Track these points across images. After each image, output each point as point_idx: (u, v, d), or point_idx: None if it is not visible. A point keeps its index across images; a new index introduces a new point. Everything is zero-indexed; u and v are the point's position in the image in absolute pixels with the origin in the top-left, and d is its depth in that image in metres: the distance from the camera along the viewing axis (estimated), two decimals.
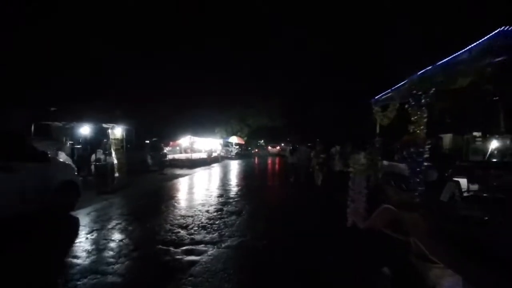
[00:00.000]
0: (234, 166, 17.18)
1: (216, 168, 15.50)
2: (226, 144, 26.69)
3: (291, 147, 11.43)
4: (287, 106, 26.33)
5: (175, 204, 6.67)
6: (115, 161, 7.84)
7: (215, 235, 4.38)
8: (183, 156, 16.06)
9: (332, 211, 5.97)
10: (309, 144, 12.89)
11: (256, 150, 36.97)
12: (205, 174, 12.86)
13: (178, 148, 17.64)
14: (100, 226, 4.69)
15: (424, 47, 13.87)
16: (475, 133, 9.17)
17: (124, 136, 8.21)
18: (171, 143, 16.79)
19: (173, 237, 4.24)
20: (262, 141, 49.06)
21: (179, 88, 21.37)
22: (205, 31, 24.89)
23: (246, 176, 12.69)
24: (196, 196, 7.75)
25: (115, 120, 8.40)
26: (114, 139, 7.87)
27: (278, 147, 47.99)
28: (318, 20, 24.08)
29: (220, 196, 7.68)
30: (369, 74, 19.01)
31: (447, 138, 10.76)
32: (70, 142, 8.93)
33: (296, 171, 10.40)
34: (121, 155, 8.06)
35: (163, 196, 7.68)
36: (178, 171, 13.15)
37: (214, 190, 8.68)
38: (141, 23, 20.45)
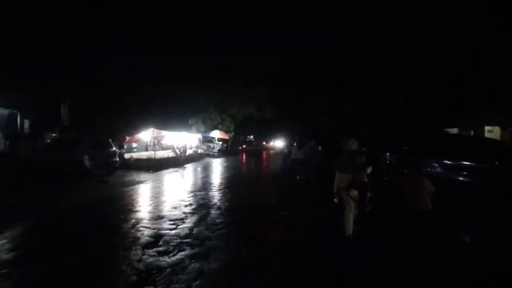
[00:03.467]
0: (216, 167, 14.10)
1: (189, 170, 12.40)
2: (209, 140, 23.40)
3: (297, 141, 10.09)
4: (277, 94, 22.96)
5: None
6: None
7: None
8: (144, 155, 12.73)
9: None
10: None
11: (244, 146, 33.81)
12: (170, 180, 9.86)
13: (136, 144, 14.27)
14: None
15: None
16: None
17: None
18: (127, 138, 13.35)
19: None
20: (252, 136, 46.27)
21: (137, 70, 17.75)
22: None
23: (231, 182, 9.79)
24: (135, 232, 4.57)
25: None
26: None
27: (271, 143, 45.07)
28: None
29: (188, 234, 4.42)
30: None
31: None
32: None
33: (304, 168, 9.16)
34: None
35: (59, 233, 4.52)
36: (133, 176, 10.01)
37: (175, 214, 5.52)
38: None
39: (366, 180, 3.87)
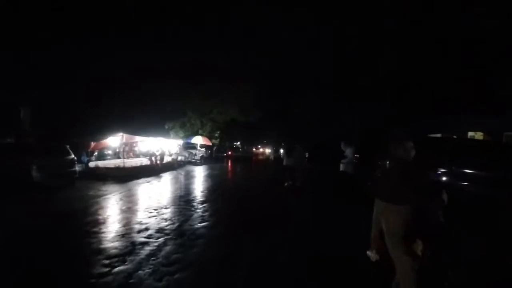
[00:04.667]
0: (195, 176, 12.88)
1: (164, 181, 11.10)
2: (191, 146, 22.02)
3: (287, 147, 10.10)
4: (261, 96, 21.79)
5: None
6: None
7: None
8: (113, 163, 11.28)
9: None
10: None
11: (230, 152, 32.57)
12: (137, 193, 8.59)
13: (111, 151, 12.77)
14: None
15: None
16: None
17: None
18: (92, 144, 11.83)
19: None
20: (238, 143, 45.26)
21: (108, 71, 16.20)
22: None
23: (208, 194, 8.59)
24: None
25: None
26: None
27: (260, 149, 43.93)
28: None
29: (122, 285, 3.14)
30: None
31: None
32: None
33: (291, 175, 9.11)
34: None
35: None
36: (94, 189, 8.71)
37: (118, 246, 4.34)
38: None
39: (442, 219, 2.07)
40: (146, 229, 4.54)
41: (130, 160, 13.07)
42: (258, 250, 3.73)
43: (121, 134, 10.83)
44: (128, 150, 14.35)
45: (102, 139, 11.78)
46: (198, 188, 9.26)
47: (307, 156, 16.71)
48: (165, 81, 18.24)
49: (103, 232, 4.37)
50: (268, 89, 20.72)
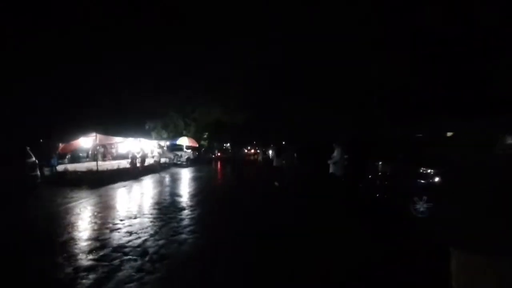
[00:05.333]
0: (179, 179, 12.03)
1: (142, 185, 10.28)
2: (177, 148, 21.03)
3: (277, 149, 10.34)
4: (248, 96, 20.81)
5: None
6: None
7: None
8: (84, 166, 10.28)
9: None
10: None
11: (219, 154, 31.68)
12: (108, 199, 7.76)
13: (89, 153, 11.69)
14: None
15: None
16: None
17: None
18: (61, 145, 10.73)
19: None
20: (228, 144, 44.47)
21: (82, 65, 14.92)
22: None
23: (188, 200, 7.77)
24: None
25: None
26: None
27: (252, 150, 43.04)
28: None
29: None
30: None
31: None
32: None
33: (281, 175, 9.22)
34: None
35: None
36: (59, 196, 7.89)
37: (56, 276, 3.42)
38: None
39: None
40: (102, 247, 3.70)
41: (106, 163, 12.03)
42: (237, 277, 2.99)
43: (94, 134, 9.84)
44: (104, 152, 13.29)
45: (72, 140, 10.71)
46: (178, 193, 8.40)
47: (295, 156, 16.11)
48: (144, 78, 17.13)
49: (41, 254, 3.52)
50: (254, 89, 19.83)
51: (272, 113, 21.87)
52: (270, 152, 17.74)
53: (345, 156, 6.50)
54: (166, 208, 6.09)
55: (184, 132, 20.99)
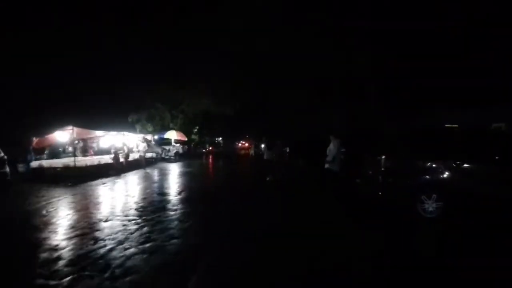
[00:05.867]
0: (166, 175, 11.38)
1: (124, 182, 9.70)
2: (165, 142, 20.28)
3: (267, 142, 10.56)
4: (239, 85, 19.77)
5: None
6: None
7: None
8: (60, 162, 9.55)
9: None
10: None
11: (210, 148, 31.04)
12: (85, 199, 7.18)
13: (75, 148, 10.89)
14: None
15: None
16: None
17: None
18: (34, 139, 9.89)
19: None
20: (220, 138, 43.83)
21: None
22: None
23: (170, 199, 7.16)
24: None
25: None
26: None
27: (246, 144, 42.38)
28: None
29: None
30: None
31: None
32: None
33: (273, 169, 9.27)
34: None
35: None
36: (33, 194, 7.18)
37: None
38: None
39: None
40: (57, 259, 3.13)
41: (86, 158, 11.27)
42: None
43: (70, 128, 9.07)
44: (85, 147, 12.48)
45: (47, 133, 9.89)
46: (161, 190, 7.81)
47: (288, 151, 15.56)
48: (127, 69, 16.10)
49: None
50: (245, 78, 18.89)
51: (262, 106, 21.06)
52: (262, 145, 17.18)
53: (342, 150, 6.01)
54: (144, 209, 5.51)
55: (171, 125, 20.11)
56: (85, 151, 12.61)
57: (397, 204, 5.12)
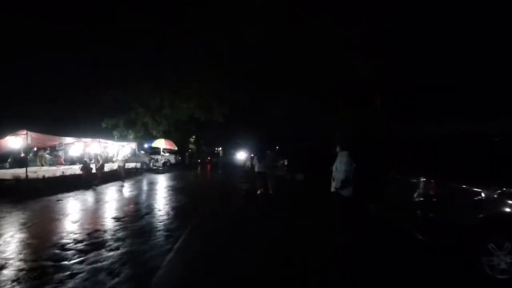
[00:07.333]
0: (146, 189, 9.85)
1: (88, 199, 8.19)
2: (154, 151, 18.78)
3: (258, 153, 10.05)
4: (228, 88, 17.80)
5: None
6: None
7: None
8: (9, 173, 8.04)
9: None
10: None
11: (209, 158, 29.48)
12: (16, 225, 5.31)
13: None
14: None
15: None
16: None
17: None
18: None
19: None
20: (220, 148, 42.43)
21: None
22: None
23: (140, 226, 5.55)
24: None
25: None
26: None
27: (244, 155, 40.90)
28: None
29: None
30: None
31: None
32: None
33: (264, 182, 8.70)
34: None
35: None
36: None
37: None
38: None
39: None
40: None
41: (43, 168, 9.72)
42: None
43: (24, 132, 7.58)
44: (42, 156, 10.85)
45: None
46: (125, 212, 6.20)
47: (286, 164, 13.83)
48: (100, 68, 14.39)
49: None
50: (234, 80, 17.05)
51: (257, 111, 19.27)
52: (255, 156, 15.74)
53: (353, 165, 4.34)
54: (75, 246, 3.90)
55: (154, 132, 18.31)
56: (44, 160, 10.98)
57: (447, 255, 3.29)
